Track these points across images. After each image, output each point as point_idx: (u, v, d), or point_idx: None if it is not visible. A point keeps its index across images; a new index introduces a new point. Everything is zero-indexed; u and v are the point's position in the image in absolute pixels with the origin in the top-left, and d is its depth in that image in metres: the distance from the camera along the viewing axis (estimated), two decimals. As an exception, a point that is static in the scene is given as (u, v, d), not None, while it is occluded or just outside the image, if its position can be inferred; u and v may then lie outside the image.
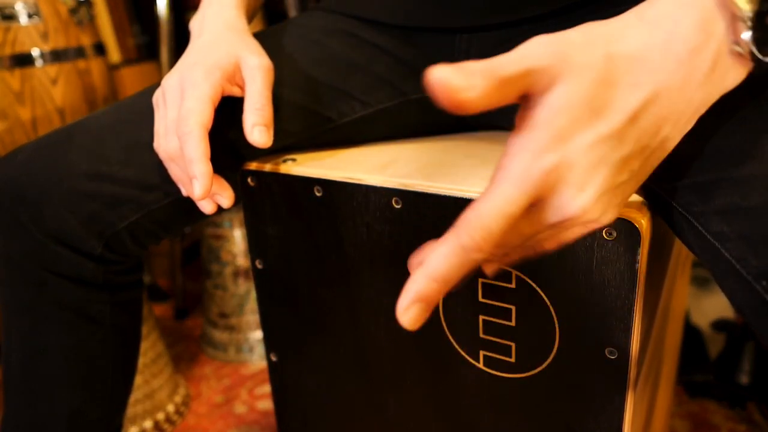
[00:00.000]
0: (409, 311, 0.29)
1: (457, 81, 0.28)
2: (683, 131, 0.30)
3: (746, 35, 0.28)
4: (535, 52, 0.29)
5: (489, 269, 0.33)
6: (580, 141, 0.27)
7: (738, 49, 0.28)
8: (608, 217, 0.30)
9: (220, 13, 0.53)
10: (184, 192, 0.48)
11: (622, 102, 0.28)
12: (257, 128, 0.45)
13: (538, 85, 0.28)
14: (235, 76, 0.49)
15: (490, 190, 0.28)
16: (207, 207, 0.47)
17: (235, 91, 0.49)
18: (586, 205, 0.28)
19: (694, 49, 0.28)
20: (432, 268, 0.28)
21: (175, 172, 0.47)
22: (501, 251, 0.30)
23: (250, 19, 0.59)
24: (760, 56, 0.28)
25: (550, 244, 0.32)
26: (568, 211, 0.28)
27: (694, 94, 0.29)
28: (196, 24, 0.54)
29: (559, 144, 0.27)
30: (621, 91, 0.28)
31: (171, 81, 0.47)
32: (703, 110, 0.30)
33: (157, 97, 0.49)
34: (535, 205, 0.28)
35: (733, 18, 0.28)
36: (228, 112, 0.49)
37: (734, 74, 0.29)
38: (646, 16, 0.30)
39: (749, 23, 0.28)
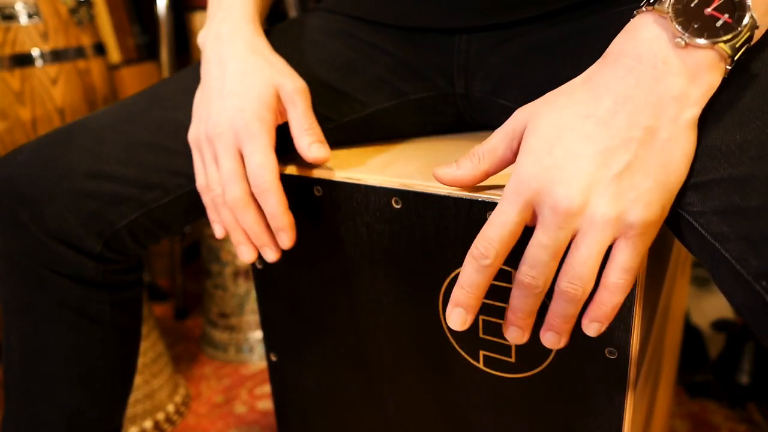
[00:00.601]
0: (451, 315, 0.38)
1: (446, 177, 0.40)
2: (677, 120, 0.32)
3: (678, 28, 0.32)
4: (510, 119, 0.37)
5: (590, 330, 0.36)
6: (552, 151, 0.33)
7: (679, 41, 0.32)
8: (636, 215, 0.32)
9: (236, 32, 0.50)
10: (236, 242, 0.48)
11: (585, 113, 0.33)
12: (314, 145, 0.47)
13: (517, 139, 0.36)
14: (279, 107, 0.48)
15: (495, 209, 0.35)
16: (272, 256, 0.48)
17: (279, 121, 0.49)
18: (570, 194, 0.32)
19: (639, 56, 0.33)
20: (459, 279, 0.37)
21: (228, 218, 0.47)
22: (542, 275, 0.35)
23: (262, 26, 0.57)
24: (699, 41, 0.31)
25: (612, 273, 0.34)
26: (559, 205, 0.32)
27: (660, 87, 0.32)
28: (209, 42, 0.51)
29: (532, 159, 0.34)
30: (583, 107, 0.34)
31: (219, 128, 0.46)
32: (691, 101, 0.32)
33: (199, 140, 0.48)
34: (537, 213, 0.34)
35: (663, 17, 0.32)
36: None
37: (702, 65, 0.32)
38: (603, 56, 0.35)
39: (671, 14, 0.32)
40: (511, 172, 0.35)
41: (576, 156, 0.33)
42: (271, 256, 0.48)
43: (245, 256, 0.48)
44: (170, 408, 1.10)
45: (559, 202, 0.32)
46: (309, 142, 0.47)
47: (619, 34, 0.35)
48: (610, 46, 0.35)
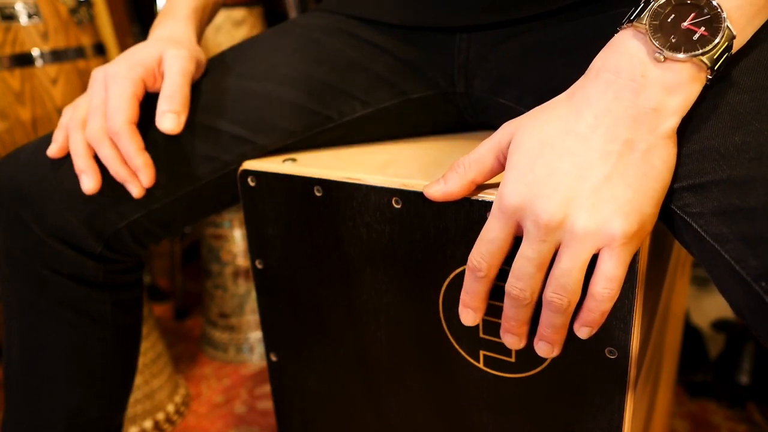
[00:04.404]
0: (462, 314, 0.41)
1: (437, 193, 0.41)
2: (655, 131, 0.33)
3: (656, 43, 0.33)
4: (496, 132, 0.39)
5: (581, 334, 0.38)
6: (534, 168, 0.35)
7: (658, 55, 0.33)
8: (616, 226, 0.33)
9: (167, 25, 0.57)
10: (118, 178, 0.50)
11: (567, 128, 0.35)
12: (167, 115, 0.48)
13: (504, 152, 0.38)
14: (158, 69, 0.51)
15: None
16: (135, 191, 0.50)
17: (158, 86, 0.51)
18: (550, 208, 0.33)
19: (618, 70, 0.34)
20: (463, 285, 0.40)
21: (104, 153, 0.49)
22: (528, 287, 0.36)
23: (201, 28, 0.62)
24: (677, 55, 0.32)
25: (597, 282, 0.35)
26: (539, 218, 0.34)
27: (638, 100, 0.33)
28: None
29: (515, 176, 0.35)
30: (566, 122, 0.35)
31: (97, 74, 0.50)
32: (668, 112, 0.33)
33: (89, 87, 0.52)
34: (522, 227, 0.36)
35: (642, 33, 0.33)
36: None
37: (679, 78, 0.33)
38: (586, 72, 0.36)
39: (649, 30, 0.33)
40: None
41: (555, 171, 0.34)
42: (135, 191, 0.50)
43: (85, 184, 0.49)
44: (170, 408, 1.10)
45: (539, 216, 0.34)
46: (163, 110, 0.48)
47: (601, 51, 0.36)
48: (593, 62, 0.36)
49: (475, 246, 0.38)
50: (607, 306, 0.35)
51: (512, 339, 0.40)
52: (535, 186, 0.34)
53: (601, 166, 0.33)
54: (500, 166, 0.39)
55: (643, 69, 0.33)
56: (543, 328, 0.38)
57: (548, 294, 0.36)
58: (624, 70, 0.33)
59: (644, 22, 0.33)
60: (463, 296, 0.40)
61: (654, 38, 0.33)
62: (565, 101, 0.36)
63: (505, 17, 0.52)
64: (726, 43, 0.32)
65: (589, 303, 0.36)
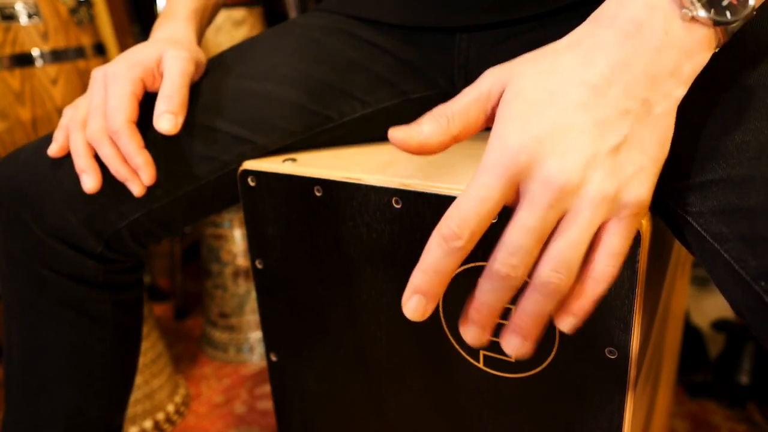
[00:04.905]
0: (409, 303, 0.31)
1: (404, 135, 0.33)
2: (670, 95, 0.30)
3: None
4: (481, 79, 0.33)
5: (565, 325, 0.32)
6: (541, 119, 0.29)
7: (687, 12, 0.29)
8: (633, 193, 0.29)
9: (167, 26, 0.57)
10: (119, 177, 0.50)
11: (577, 78, 0.30)
12: (164, 116, 0.48)
13: (494, 101, 0.32)
14: (157, 70, 0.51)
15: (469, 182, 0.30)
16: (136, 189, 0.50)
17: (158, 86, 0.51)
18: (568, 168, 0.28)
19: (640, 23, 0.30)
20: (421, 261, 0.31)
21: (104, 152, 0.49)
22: (523, 263, 0.30)
23: (202, 29, 0.62)
24: (710, 16, 0.29)
25: (600, 260, 0.30)
26: (554, 179, 0.28)
27: (659, 59, 0.30)
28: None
29: (519, 126, 0.29)
30: (573, 71, 0.30)
31: (97, 74, 0.50)
32: (684, 77, 0.30)
33: (89, 87, 0.52)
34: (523, 191, 0.30)
35: None
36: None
37: (697, 41, 0.30)
38: (591, 18, 0.32)
39: None
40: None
41: (571, 126, 0.29)
42: (135, 189, 0.50)
43: (86, 184, 0.49)
44: (170, 408, 1.10)
45: (553, 177, 0.28)
46: (161, 110, 0.48)
47: None
48: (600, 9, 0.32)
49: (454, 208, 0.30)
50: (605, 288, 0.30)
51: (477, 333, 0.32)
52: (547, 141, 0.29)
53: (620, 126, 0.29)
54: (485, 121, 0.33)
55: (668, 25, 0.29)
56: (522, 317, 0.31)
57: (545, 272, 0.30)
58: (646, 23, 0.30)
59: None
60: (419, 278, 0.31)
61: None
62: (569, 49, 0.31)
63: (505, 17, 0.52)
64: (746, 19, 0.30)
65: (585, 286, 0.30)
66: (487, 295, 0.31)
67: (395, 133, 0.33)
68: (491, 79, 0.32)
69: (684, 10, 0.29)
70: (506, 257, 0.30)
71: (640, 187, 0.30)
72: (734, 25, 0.30)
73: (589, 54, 0.30)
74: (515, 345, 0.32)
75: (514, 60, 0.33)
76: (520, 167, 0.29)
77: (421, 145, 0.33)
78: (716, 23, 0.29)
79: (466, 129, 0.33)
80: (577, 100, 0.29)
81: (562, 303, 0.31)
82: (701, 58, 0.30)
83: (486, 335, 0.32)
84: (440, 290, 0.31)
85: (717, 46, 0.31)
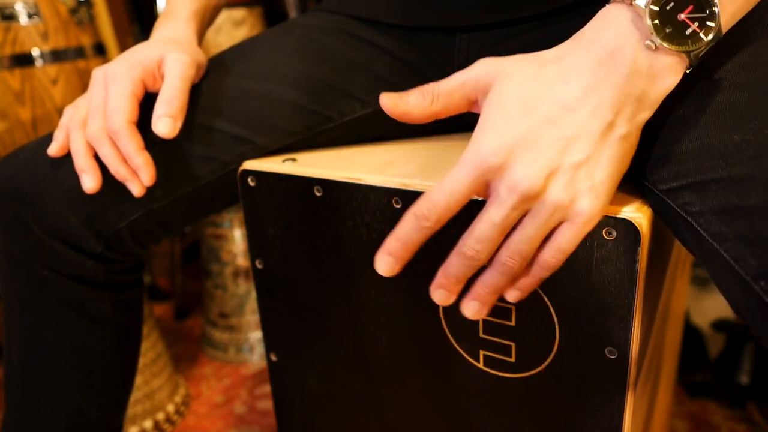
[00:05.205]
0: (380, 261, 0.38)
1: (391, 102, 0.39)
2: (633, 119, 0.34)
3: (651, 30, 0.32)
4: (473, 66, 0.37)
5: (511, 296, 0.38)
6: (516, 129, 0.33)
7: (650, 44, 0.32)
8: (586, 204, 0.34)
9: (167, 26, 0.57)
10: (118, 177, 0.50)
11: (553, 95, 0.34)
12: (162, 119, 0.48)
13: (480, 92, 0.36)
14: (158, 71, 0.51)
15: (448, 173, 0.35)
16: (135, 190, 0.50)
17: (158, 87, 0.51)
18: (531, 176, 0.33)
19: (612, 51, 0.33)
20: (396, 229, 0.37)
21: (104, 152, 0.49)
22: (485, 250, 0.35)
23: (202, 30, 0.62)
24: (668, 46, 0.32)
25: (548, 252, 0.35)
26: (518, 185, 0.33)
27: (627, 86, 0.33)
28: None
29: (495, 132, 0.34)
30: (551, 88, 0.34)
31: (97, 74, 0.51)
32: (649, 102, 0.34)
33: (89, 87, 0.52)
34: (492, 190, 0.35)
35: (638, 14, 0.33)
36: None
37: (663, 68, 0.33)
38: (576, 36, 0.35)
39: (647, 14, 0.32)
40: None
41: (539, 139, 0.33)
42: (135, 190, 0.50)
43: (85, 184, 0.49)
44: (170, 408, 1.10)
45: (518, 183, 0.33)
46: (159, 113, 0.48)
47: (593, 19, 0.35)
48: (584, 29, 0.35)
49: (429, 193, 0.35)
50: (547, 274, 0.36)
51: (444, 295, 0.38)
52: (518, 150, 0.33)
53: (584, 144, 0.33)
54: (468, 105, 0.37)
55: (634, 55, 0.33)
56: (482, 287, 0.37)
57: (502, 256, 0.36)
58: (617, 51, 0.33)
59: (644, 5, 0.33)
60: (391, 243, 0.37)
61: (651, 25, 0.32)
62: (553, 62, 0.35)
63: (505, 17, 0.52)
64: (711, 44, 0.33)
65: (532, 269, 0.36)
66: (455, 269, 0.37)
67: (385, 98, 0.38)
68: (482, 69, 0.36)
69: (647, 42, 0.32)
70: (473, 243, 0.35)
71: (596, 200, 0.34)
72: (697, 51, 0.33)
73: (567, 72, 0.34)
74: (473, 309, 0.38)
75: (507, 58, 0.36)
76: (491, 169, 0.34)
77: (404, 113, 0.38)
78: (680, 51, 0.32)
79: (447, 109, 0.38)
80: (549, 115, 0.33)
81: (515, 280, 0.37)
82: (668, 82, 0.33)
83: (451, 298, 0.38)
84: (407, 255, 0.37)
85: (688, 68, 0.33)
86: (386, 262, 0.38)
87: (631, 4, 0.33)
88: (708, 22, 0.33)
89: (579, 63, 0.34)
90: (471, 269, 0.37)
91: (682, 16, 0.33)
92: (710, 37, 0.33)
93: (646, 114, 0.34)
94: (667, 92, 0.34)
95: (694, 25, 0.33)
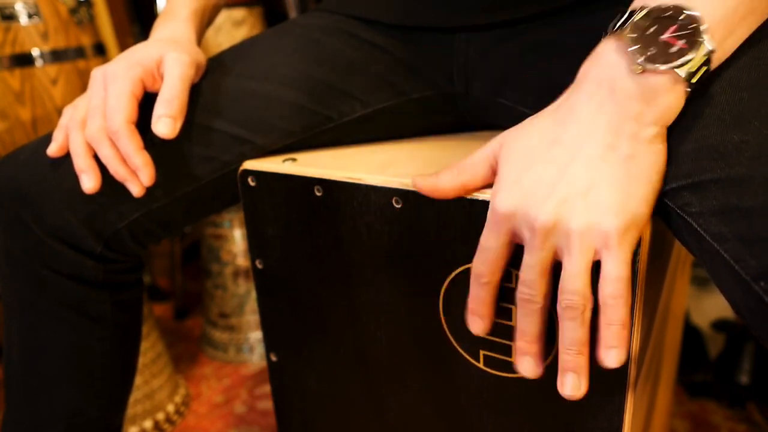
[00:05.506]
0: (471, 324, 0.42)
1: (425, 184, 0.42)
2: (636, 137, 0.34)
3: (634, 53, 0.34)
4: (490, 142, 0.40)
5: (609, 360, 0.37)
6: (523, 179, 0.36)
7: (635, 67, 0.34)
8: (609, 223, 0.34)
9: (167, 26, 0.57)
10: (117, 177, 0.50)
11: (550, 138, 0.36)
12: (162, 119, 0.48)
13: (496, 155, 0.39)
14: (157, 71, 0.51)
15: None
16: (135, 190, 0.50)
17: (157, 87, 0.51)
18: (543, 212, 0.35)
19: (600, 81, 0.35)
20: (470, 294, 0.41)
21: (103, 152, 0.49)
22: (536, 290, 0.37)
23: (202, 30, 0.62)
24: (651, 66, 0.33)
25: (605, 284, 0.35)
26: (534, 224, 0.35)
27: (621, 110, 0.34)
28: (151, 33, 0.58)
29: (506, 187, 0.37)
30: (549, 134, 0.36)
31: (97, 74, 0.50)
32: (648, 120, 0.34)
33: (89, 87, 0.52)
34: (517, 237, 0.37)
35: (622, 43, 0.34)
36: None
37: (657, 88, 0.34)
38: (575, 80, 0.37)
39: (629, 41, 0.34)
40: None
41: (543, 179, 0.35)
42: (135, 190, 0.50)
43: (85, 184, 0.49)
44: (170, 408, 1.10)
45: (533, 223, 0.35)
46: (159, 114, 0.48)
47: (586, 60, 0.37)
48: (579, 72, 0.37)
49: (476, 253, 0.39)
50: (624, 311, 0.35)
51: (530, 364, 0.40)
52: (527, 195, 0.35)
53: (586, 172, 0.34)
54: (493, 175, 0.40)
55: (621, 81, 0.34)
56: (565, 350, 0.37)
57: (563, 302, 0.36)
58: (605, 81, 0.35)
59: (626, 33, 0.34)
60: (471, 303, 0.41)
61: (632, 50, 0.34)
62: (551, 113, 0.37)
63: (505, 17, 0.52)
64: (705, 58, 0.33)
65: (605, 313, 0.35)
66: (522, 321, 0.39)
67: (418, 182, 0.43)
68: (495, 141, 0.40)
69: (633, 66, 0.34)
70: (523, 288, 0.38)
71: (616, 218, 0.34)
72: (689, 66, 0.33)
73: (563, 117, 0.36)
74: (572, 384, 0.38)
75: (513, 127, 0.39)
76: (508, 218, 0.36)
77: (433, 189, 0.42)
78: (669, 69, 0.33)
79: (474, 180, 0.41)
80: (548, 157, 0.36)
81: (599, 341, 0.36)
82: (666, 100, 0.34)
83: (539, 366, 0.40)
84: (489, 312, 0.41)
85: (688, 86, 0.34)
86: (473, 321, 0.42)
87: (615, 35, 0.35)
88: (696, 38, 0.33)
89: (573, 104, 0.36)
90: (537, 316, 0.38)
91: (664, 37, 0.33)
92: (697, 51, 0.33)
93: (652, 130, 0.34)
94: (670, 110, 0.34)
95: (680, 43, 0.33)
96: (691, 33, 0.33)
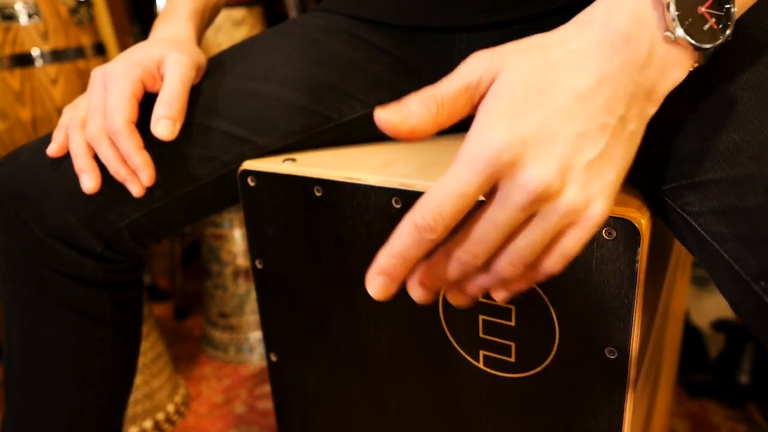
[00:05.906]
0: (373, 282, 0.33)
1: (396, 118, 0.32)
2: (642, 114, 0.31)
3: (674, 20, 0.29)
4: (472, 65, 0.32)
5: (499, 296, 0.34)
6: (528, 120, 0.29)
7: (669, 35, 0.30)
8: (598, 208, 0.30)
9: (167, 25, 0.57)
10: (118, 177, 0.50)
11: (566, 83, 0.30)
12: (162, 121, 0.48)
13: (483, 88, 0.32)
14: (158, 71, 0.51)
15: (445, 173, 0.30)
16: (135, 190, 0.50)
17: (157, 87, 0.51)
18: (547, 177, 0.29)
19: (629, 37, 0.30)
20: (390, 245, 0.32)
21: (103, 152, 0.49)
22: (483, 254, 0.31)
23: (202, 30, 0.62)
24: (690, 40, 0.30)
25: (552, 258, 0.32)
26: (532, 184, 0.29)
27: (639, 77, 0.30)
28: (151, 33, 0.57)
29: (506, 124, 0.29)
30: (562, 74, 0.30)
31: (97, 74, 0.50)
32: (657, 96, 0.31)
33: (89, 87, 0.52)
34: (499, 188, 0.30)
35: (663, 6, 0.30)
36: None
37: (675, 61, 0.30)
38: (581, 18, 0.32)
39: (674, 8, 0.29)
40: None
41: (555, 133, 0.29)
42: (135, 190, 0.50)
43: (85, 184, 0.49)
44: (170, 408, 1.10)
45: (531, 183, 0.29)
46: (159, 115, 0.48)
47: (600, 1, 0.32)
48: (590, 11, 0.32)
49: (430, 199, 0.30)
50: (544, 278, 0.32)
51: (424, 294, 0.34)
52: (532, 146, 0.29)
53: (597, 140, 0.30)
54: (471, 109, 0.33)
55: (652, 44, 0.30)
56: (472, 286, 0.33)
57: (501, 262, 0.31)
58: (633, 39, 0.30)
59: None
60: (386, 261, 0.32)
61: (676, 15, 0.29)
62: (557, 47, 0.31)
63: (505, 17, 0.52)
64: (727, 40, 0.31)
65: (528, 272, 0.32)
66: (440, 268, 0.32)
67: (385, 114, 0.32)
68: (482, 66, 0.32)
69: (667, 33, 0.30)
70: (471, 247, 0.31)
71: (606, 202, 0.30)
72: (711, 50, 0.30)
73: (578, 58, 0.30)
74: (458, 302, 0.35)
75: (504, 47, 0.32)
76: (502, 166, 0.29)
77: (411, 130, 0.33)
78: (695, 48, 0.30)
79: (452, 117, 0.33)
80: (563, 106, 0.29)
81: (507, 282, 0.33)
82: (675, 77, 0.31)
83: (431, 298, 0.34)
84: (405, 273, 0.32)
85: (692, 67, 0.31)
86: (380, 282, 0.32)
87: None
88: (726, 21, 0.31)
89: (589, 47, 0.30)
90: (462, 274, 0.32)
91: (702, 10, 0.30)
92: (726, 34, 0.31)
93: (652, 110, 0.31)
94: (673, 87, 0.31)
95: (712, 21, 0.30)
96: (725, 15, 0.31)
